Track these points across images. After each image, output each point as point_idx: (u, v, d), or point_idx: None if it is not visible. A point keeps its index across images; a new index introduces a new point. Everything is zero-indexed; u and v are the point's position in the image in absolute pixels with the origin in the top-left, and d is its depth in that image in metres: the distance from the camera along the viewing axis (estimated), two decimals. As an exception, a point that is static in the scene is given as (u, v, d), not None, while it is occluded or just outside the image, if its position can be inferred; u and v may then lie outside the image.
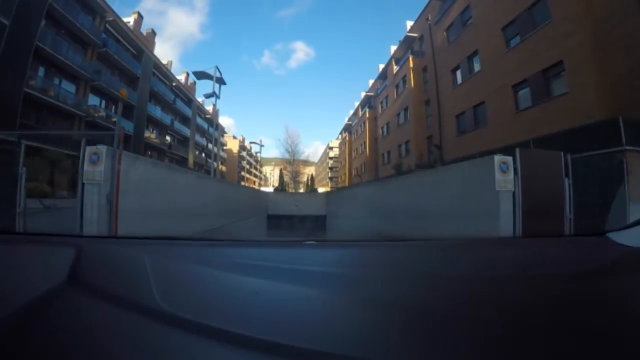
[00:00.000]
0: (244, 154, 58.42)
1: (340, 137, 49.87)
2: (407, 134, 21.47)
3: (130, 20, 23.94)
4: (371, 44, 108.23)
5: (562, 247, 1.26)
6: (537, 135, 10.02)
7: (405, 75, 22.25)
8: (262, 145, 43.77)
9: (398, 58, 24.74)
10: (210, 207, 6.78)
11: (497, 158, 3.88)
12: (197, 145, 35.09)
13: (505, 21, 12.41)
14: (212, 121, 23.90)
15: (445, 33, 16.78)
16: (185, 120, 32.55)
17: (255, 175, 66.62)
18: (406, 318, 0.59)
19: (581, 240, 1.37)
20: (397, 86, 23.88)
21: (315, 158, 66.97)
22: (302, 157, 40.82)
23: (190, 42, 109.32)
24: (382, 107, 27.45)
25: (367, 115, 32.22)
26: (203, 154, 35.73)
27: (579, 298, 0.70)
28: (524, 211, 3.69)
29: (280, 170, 46.01)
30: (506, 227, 3.64)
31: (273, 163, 66.32)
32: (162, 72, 27.96)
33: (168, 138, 29.11)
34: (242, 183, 46.57)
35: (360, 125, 35.17)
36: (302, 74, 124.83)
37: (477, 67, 14.34)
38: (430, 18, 19.37)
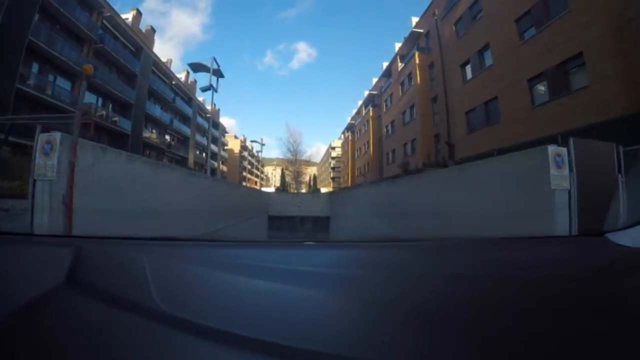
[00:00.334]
0: (245, 154, 57.96)
1: (342, 136, 49.28)
2: (413, 132, 20.79)
3: (129, 16, 23.44)
4: (374, 42, 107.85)
5: (561, 247, 1.25)
6: (555, 131, 9.37)
7: (410, 73, 21.59)
8: (262, 144, 43.04)
9: (403, 55, 24.11)
10: (199, 208, 6.09)
11: (552, 149, 3.16)
12: (198, 145, 34.59)
13: (518, 13, 11.77)
14: (209, 117, 23.39)
15: (453, 27, 16.10)
16: (185, 119, 32.06)
17: (257, 176, 66.04)
18: (406, 318, 0.59)
19: (580, 241, 1.35)
20: (402, 84, 23.21)
21: (317, 159, 66.24)
22: (304, 157, 40.09)
23: (192, 43, 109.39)
24: (386, 105, 26.78)
25: (371, 114, 31.53)
26: (204, 154, 35.20)
27: (577, 298, 0.68)
28: (580, 210, 3.00)
29: (282, 170, 45.36)
30: (561, 229, 2.96)
31: (274, 163, 65.88)
32: (161, 70, 27.44)
33: (168, 137, 28.58)
34: (244, 183, 46.00)
35: (364, 125, 34.49)
36: (304, 75, 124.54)
37: (488, 61, 13.66)
38: (437, 13, 18.76)
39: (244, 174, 56.61)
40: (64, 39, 16.98)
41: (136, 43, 23.23)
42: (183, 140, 31.44)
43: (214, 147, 39.08)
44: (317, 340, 0.49)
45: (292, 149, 37.61)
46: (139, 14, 24.67)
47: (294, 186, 40.18)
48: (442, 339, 0.51)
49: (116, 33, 21.23)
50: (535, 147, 3.89)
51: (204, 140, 35.45)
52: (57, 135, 2.71)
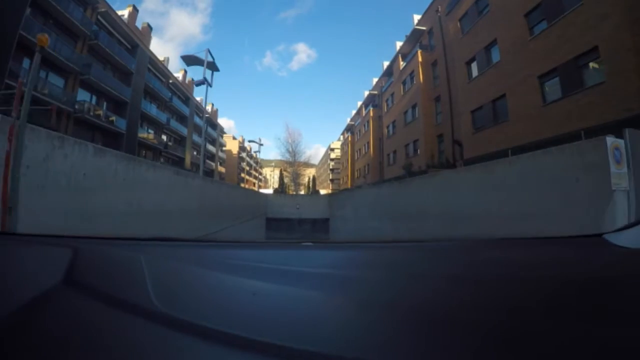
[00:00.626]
0: (243, 155, 57.41)
1: (342, 137, 48.78)
2: (416, 132, 20.25)
3: (124, 13, 22.90)
4: (374, 43, 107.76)
5: (561, 247, 1.21)
6: (570, 129, 8.87)
7: (413, 71, 21.08)
8: (260, 144, 42.18)
9: (405, 53, 23.64)
10: (188, 211, 5.50)
11: (611, 142, 2.61)
12: (195, 145, 34.01)
13: (528, 7, 11.29)
14: (204, 114, 22.83)
15: (458, 24, 15.61)
16: (182, 119, 31.50)
17: (255, 177, 65.42)
18: (404, 319, 0.58)
19: (578, 241, 1.29)
20: (404, 83, 22.70)
21: (316, 160, 65.73)
22: (303, 158, 39.45)
23: (191, 43, 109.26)
24: (387, 105, 26.26)
25: (371, 114, 31.00)
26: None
27: (577, 299, 0.67)
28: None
29: (281, 172, 44.69)
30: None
31: (273, 164, 65.26)
32: (158, 69, 26.87)
33: (164, 137, 27.99)
34: (242, 185, 45.36)
35: (364, 125, 33.97)
36: (303, 76, 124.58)
37: (495, 58, 13.17)
38: (440, 9, 18.29)
39: (242, 175, 56.04)
40: (57, 35, 16.43)
41: (132, 40, 22.67)
42: (180, 141, 30.86)
43: (212, 148, 38.54)
44: (316, 340, 0.49)
45: (291, 149, 37.06)
46: (135, 10, 24.10)
47: (293, 188, 39.58)
48: (441, 339, 0.50)
49: (111, 29, 20.68)
50: (569, 142, 3.39)
51: (201, 141, 34.91)
52: (-7, 117, 2.16)
